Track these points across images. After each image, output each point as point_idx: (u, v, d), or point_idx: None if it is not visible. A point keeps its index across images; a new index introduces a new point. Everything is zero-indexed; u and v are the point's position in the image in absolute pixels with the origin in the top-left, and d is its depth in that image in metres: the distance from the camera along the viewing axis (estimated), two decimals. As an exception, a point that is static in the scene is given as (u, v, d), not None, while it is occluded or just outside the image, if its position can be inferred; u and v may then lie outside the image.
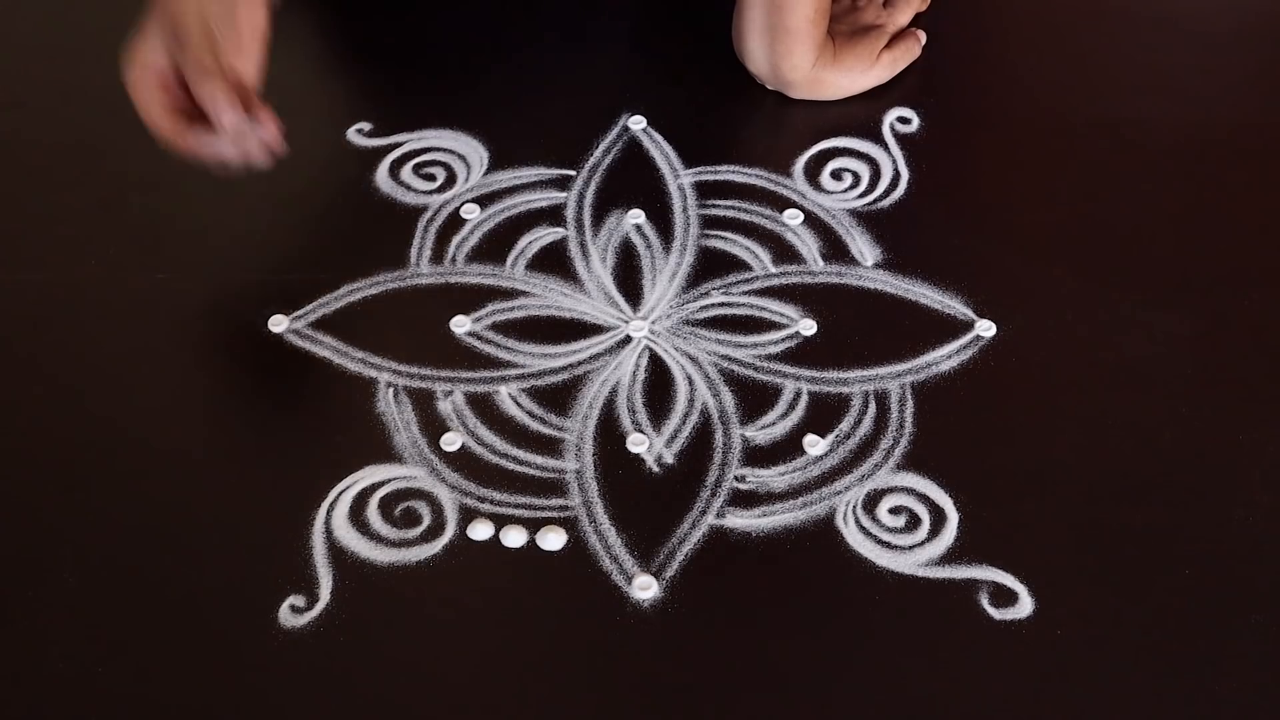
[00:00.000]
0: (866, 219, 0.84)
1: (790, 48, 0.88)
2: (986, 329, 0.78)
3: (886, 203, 0.85)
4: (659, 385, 0.76)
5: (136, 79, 0.72)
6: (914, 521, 0.69)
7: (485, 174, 0.87)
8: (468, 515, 0.70)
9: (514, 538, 0.69)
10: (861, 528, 0.69)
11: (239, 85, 0.72)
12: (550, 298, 0.80)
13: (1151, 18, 0.98)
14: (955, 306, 0.79)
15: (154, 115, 0.73)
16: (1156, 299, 0.79)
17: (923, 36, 0.93)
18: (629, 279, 0.81)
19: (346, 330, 0.78)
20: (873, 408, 0.74)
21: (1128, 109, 0.91)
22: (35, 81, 0.95)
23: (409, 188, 0.87)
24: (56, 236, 0.84)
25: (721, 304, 0.80)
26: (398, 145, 0.89)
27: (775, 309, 0.79)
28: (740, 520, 0.70)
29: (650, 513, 0.70)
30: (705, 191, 0.86)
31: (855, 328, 0.78)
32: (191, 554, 0.69)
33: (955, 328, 0.78)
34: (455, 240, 0.83)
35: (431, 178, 0.87)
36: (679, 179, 0.87)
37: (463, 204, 0.85)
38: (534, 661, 0.65)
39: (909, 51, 0.92)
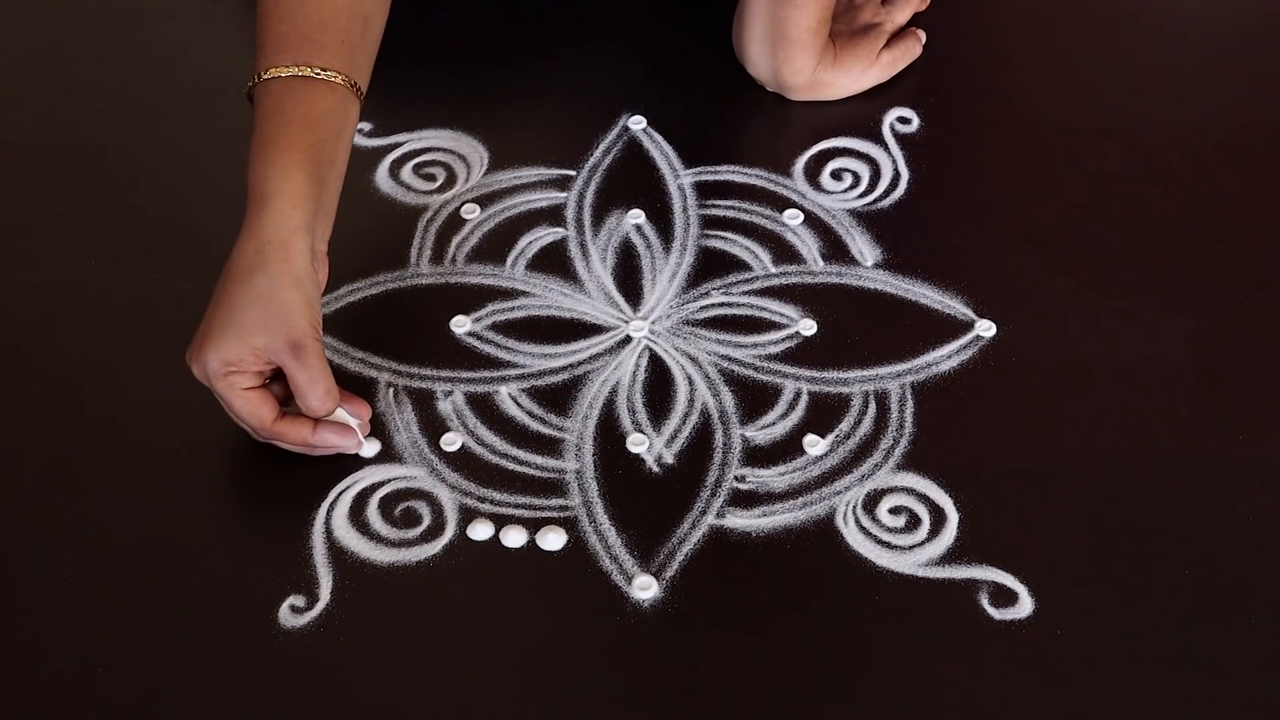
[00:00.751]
0: (866, 219, 0.84)
1: (791, 55, 0.88)
2: (986, 329, 0.78)
3: (886, 203, 0.85)
4: (659, 385, 0.76)
5: (227, 374, 0.68)
6: (914, 521, 0.69)
7: (485, 174, 0.87)
8: (468, 515, 0.70)
9: (514, 538, 0.69)
10: (861, 528, 0.69)
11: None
12: (550, 298, 0.80)
13: (1151, 18, 0.98)
14: (955, 306, 0.79)
15: (253, 411, 0.69)
16: (1156, 299, 0.79)
17: (922, 35, 0.93)
18: (629, 279, 0.81)
19: (346, 330, 0.78)
20: (873, 408, 0.74)
21: (1128, 109, 0.91)
22: (35, 81, 0.95)
23: (409, 188, 0.87)
24: (56, 236, 0.84)
25: (721, 304, 0.80)
26: (398, 145, 0.89)
27: (775, 309, 0.79)
28: (740, 520, 0.70)
29: (650, 513, 0.70)
30: (705, 191, 0.86)
31: (855, 328, 0.78)
32: (191, 554, 0.69)
33: (955, 328, 0.78)
34: (455, 240, 0.83)
35: (431, 178, 0.87)
36: (679, 179, 0.87)
37: (463, 204, 0.85)
38: (534, 661, 0.65)
39: (909, 51, 0.92)
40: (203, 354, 0.68)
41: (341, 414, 0.71)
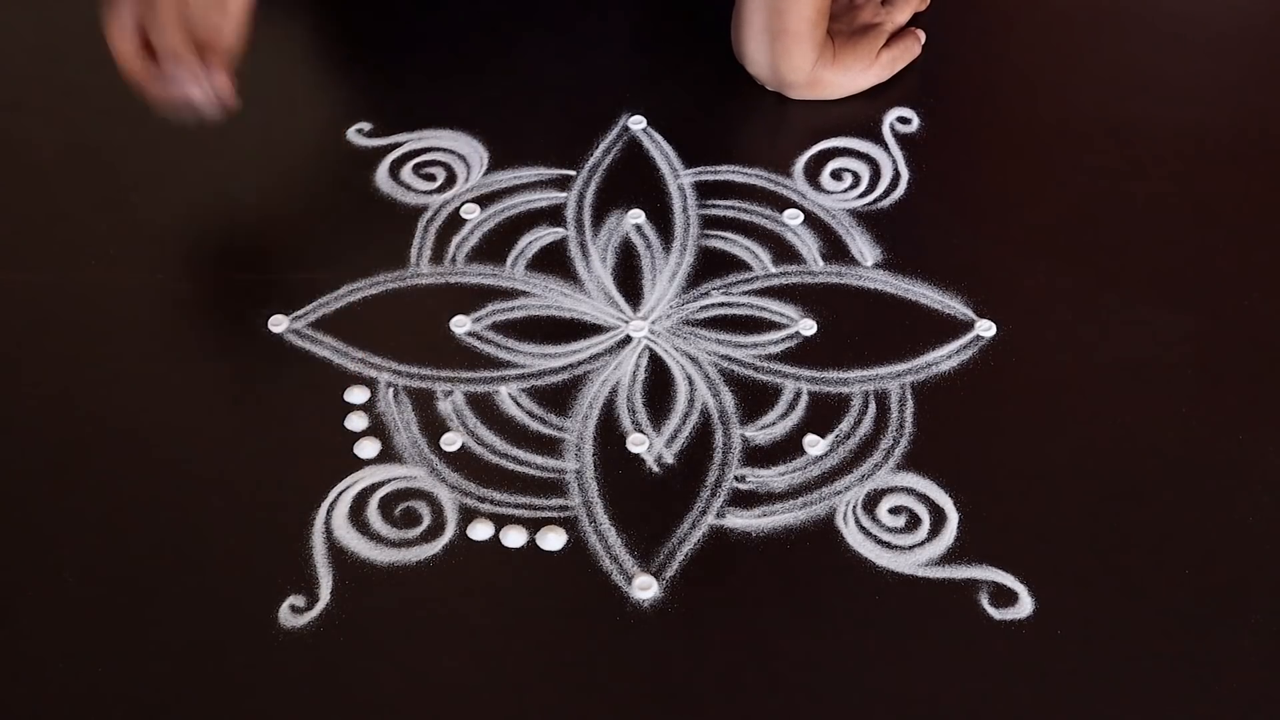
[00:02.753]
0: (866, 219, 0.84)
1: (789, 49, 0.88)
2: (986, 329, 0.78)
3: (886, 203, 0.85)
4: (659, 385, 0.76)
5: (112, 26, 0.78)
6: (914, 521, 0.69)
7: (485, 174, 0.87)
8: (468, 515, 0.70)
9: (514, 538, 0.69)
10: (861, 528, 0.69)
11: (206, 42, 0.77)
12: (550, 298, 0.80)
13: (1151, 18, 0.98)
14: (955, 306, 0.79)
15: (126, 59, 0.78)
16: (1156, 299, 0.79)
17: (922, 35, 0.93)
18: (629, 279, 0.81)
19: (346, 330, 0.78)
20: (873, 408, 0.74)
21: (1128, 109, 0.91)
22: (35, 81, 0.95)
23: (409, 188, 0.87)
24: (56, 236, 0.84)
25: (721, 304, 0.80)
26: (398, 145, 0.89)
27: (775, 309, 0.79)
28: (740, 520, 0.70)
29: (650, 513, 0.70)
30: (705, 191, 0.86)
31: (855, 328, 0.78)
32: (191, 554, 0.69)
33: (955, 328, 0.78)
34: (455, 240, 0.83)
35: (431, 178, 0.87)
36: (679, 179, 0.87)
37: (463, 204, 0.85)
38: (534, 661, 0.65)
39: (908, 50, 0.92)
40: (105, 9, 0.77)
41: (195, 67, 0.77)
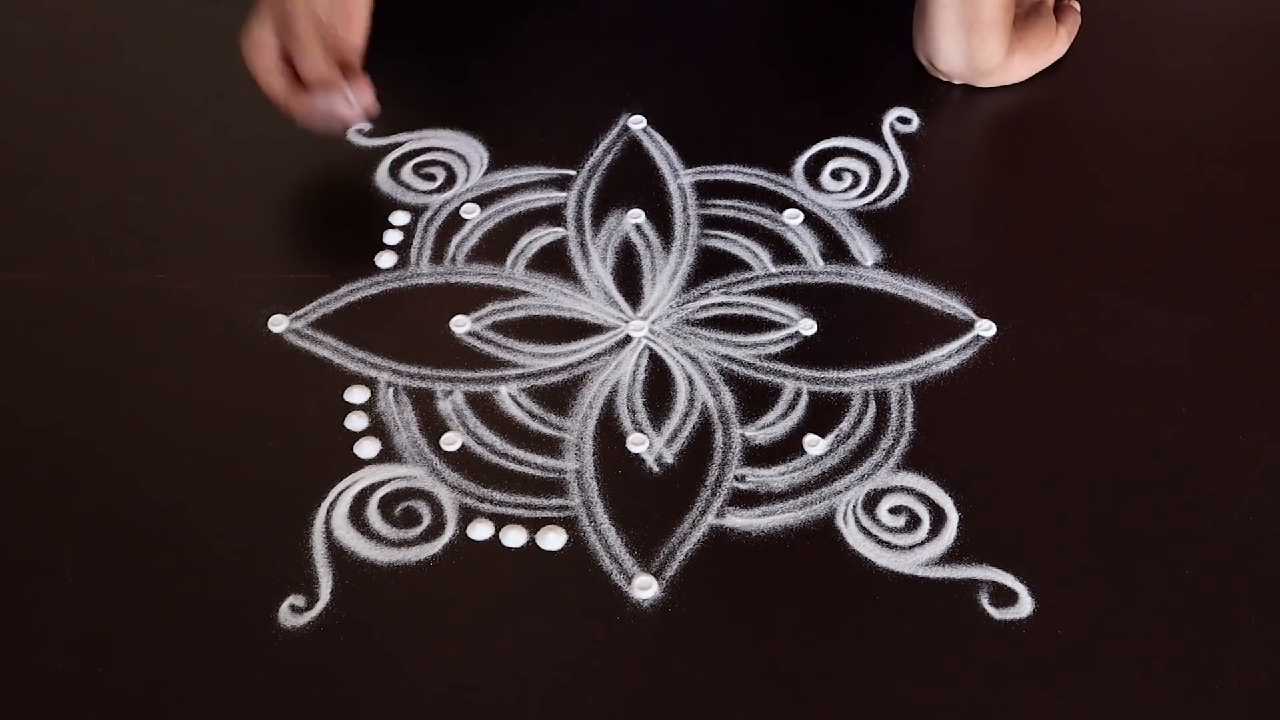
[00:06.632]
0: (866, 219, 0.84)
1: (985, 39, 0.88)
2: (986, 329, 0.78)
3: (886, 203, 0.85)
4: (659, 385, 0.76)
5: (252, 53, 0.80)
6: (914, 521, 0.69)
7: (485, 174, 0.87)
8: (468, 515, 0.70)
9: (514, 538, 0.69)
10: (861, 528, 0.69)
11: (341, 58, 0.79)
12: (550, 298, 0.80)
13: (1153, 18, 0.98)
14: (955, 306, 0.79)
15: (268, 81, 0.81)
16: (1156, 299, 0.79)
17: (1077, 4, 0.95)
18: (629, 279, 0.81)
19: (346, 330, 0.78)
20: (873, 407, 0.74)
21: (1128, 109, 0.91)
22: (35, 81, 0.95)
23: (409, 188, 0.87)
24: (56, 236, 0.84)
25: (721, 304, 0.80)
26: (398, 145, 0.89)
27: (775, 309, 0.79)
28: (740, 520, 0.70)
29: (650, 513, 0.70)
30: (705, 191, 0.86)
31: (855, 328, 0.78)
32: (191, 554, 0.69)
33: (955, 328, 0.78)
34: (455, 240, 0.83)
35: (431, 177, 0.87)
36: (679, 179, 0.87)
37: (463, 204, 0.85)
38: (534, 661, 0.65)
39: (1075, 21, 0.94)
40: (243, 37, 0.81)
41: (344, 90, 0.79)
